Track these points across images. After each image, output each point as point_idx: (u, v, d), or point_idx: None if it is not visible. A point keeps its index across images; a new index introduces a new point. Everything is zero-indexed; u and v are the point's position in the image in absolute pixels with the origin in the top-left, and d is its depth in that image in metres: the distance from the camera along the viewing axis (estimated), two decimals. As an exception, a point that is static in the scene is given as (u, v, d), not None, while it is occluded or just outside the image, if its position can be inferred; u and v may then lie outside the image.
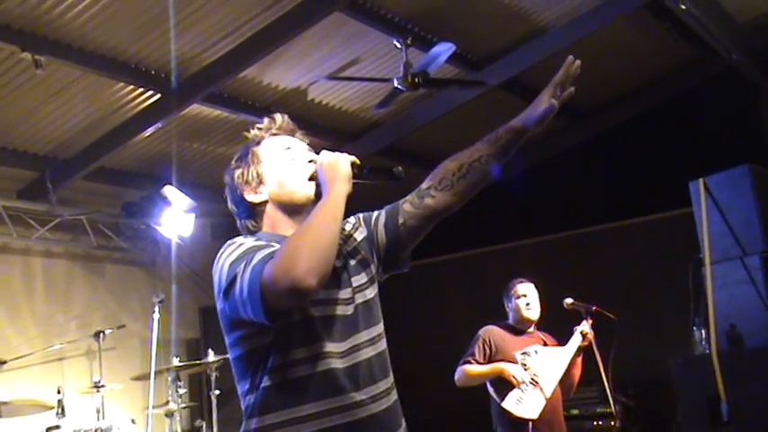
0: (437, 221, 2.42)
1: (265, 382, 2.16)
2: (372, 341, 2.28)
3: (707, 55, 8.29)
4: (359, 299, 2.30)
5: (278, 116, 2.44)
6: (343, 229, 2.38)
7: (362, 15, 6.43)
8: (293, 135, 2.43)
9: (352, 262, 2.34)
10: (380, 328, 2.35)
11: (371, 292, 2.36)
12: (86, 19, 5.72)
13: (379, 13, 6.52)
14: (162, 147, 7.58)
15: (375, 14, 6.50)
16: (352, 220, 2.46)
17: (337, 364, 2.17)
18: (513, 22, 7.30)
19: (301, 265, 1.96)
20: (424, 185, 2.42)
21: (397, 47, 6.66)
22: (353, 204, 2.28)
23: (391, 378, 2.33)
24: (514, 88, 8.01)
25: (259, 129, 2.43)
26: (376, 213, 2.47)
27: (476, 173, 2.38)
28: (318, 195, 2.25)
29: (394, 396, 2.31)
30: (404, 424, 2.33)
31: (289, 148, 2.37)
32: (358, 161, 2.30)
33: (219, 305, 2.20)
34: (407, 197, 2.44)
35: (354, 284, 2.31)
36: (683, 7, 6.44)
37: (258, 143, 2.40)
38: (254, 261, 2.06)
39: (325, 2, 6.07)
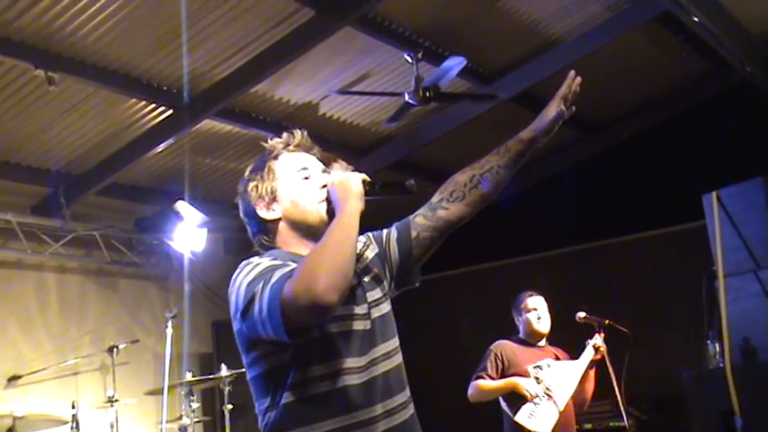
0: (448, 234, 2.47)
1: (285, 399, 2.18)
2: (389, 355, 2.31)
3: (720, 67, 8.27)
4: (375, 313, 2.32)
5: (297, 132, 2.44)
6: None
7: (372, 30, 6.44)
8: (310, 152, 2.44)
9: (366, 278, 2.35)
10: (396, 341, 2.37)
11: (386, 307, 2.39)
12: (99, 36, 5.76)
13: (390, 28, 6.54)
14: (174, 162, 7.61)
15: (385, 29, 6.52)
16: (362, 238, 2.47)
17: (355, 379, 2.19)
18: (524, 36, 7.31)
19: (321, 281, 1.99)
20: (435, 198, 2.47)
21: (408, 61, 6.66)
22: (367, 220, 2.29)
23: (408, 391, 2.34)
24: (526, 102, 8.00)
25: (277, 143, 2.44)
26: (386, 231, 2.50)
27: (487, 184, 2.45)
28: (331, 215, 2.26)
29: (411, 409, 2.33)
30: None
31: (305, 168, 2.38)
32: (369, 178, 2.31)
33: (236, 326, 2.22)
34: (419, 211, 2.49)
35: (370, 299, 2.33)
36: (696, 20, 6.42)
37: (275, 157, 2.40)
38: (273, 280, 2.08)
39: (336, 17, 6.08)
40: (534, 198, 9.54)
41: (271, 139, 2.46)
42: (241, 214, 2.44)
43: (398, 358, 2.35)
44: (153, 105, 6.75)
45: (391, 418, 2.23)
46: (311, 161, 2.41)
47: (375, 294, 2.36)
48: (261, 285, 2.10)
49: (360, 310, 2.28)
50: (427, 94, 6.57)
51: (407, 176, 8.79)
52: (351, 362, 2.20)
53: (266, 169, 2.38)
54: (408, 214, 2.51)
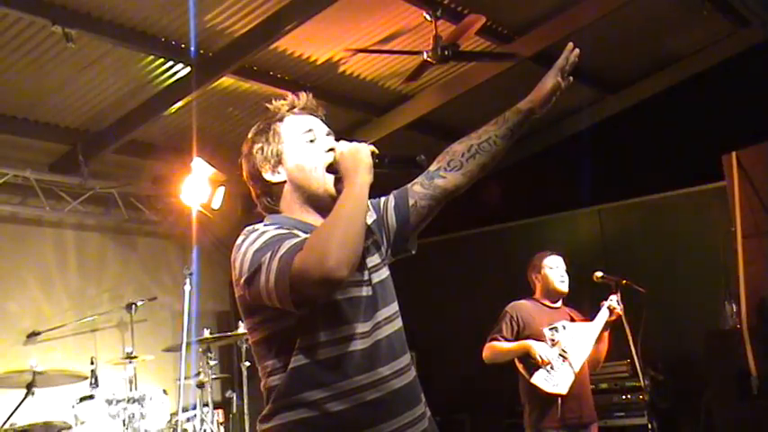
0: (445, 202, 2.48)
1: (293, 363, 2.19)
2: (390, 319, 2.32)
3: (742, 27, 8.17)
4: (375, 279, 2.33)
5: (302, 94, 2.42)
6: None
7: (391, -13, 6.39)
8: (315, 114, 2.42)
9: (366, 243, 2.33)
10: (396, 306, 2.39)
11: (385, 273, 2.40)
12: (116, -8, 5.74)
13: (409, -15, 6.47)
14: (192, 120, 7.60)
15: (404, -15, 6.45)
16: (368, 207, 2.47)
17: (360, 344, 2.21)
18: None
19: (333, 257, 2.00)
20: (433, 167, 2.47)
21: (426, 19, 6.61)
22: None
23: (408, 355, 2.36)
24: (546, 61, 7.89)
25: (282, 104, 2.42)
26: (384, 198, 2.51)
27: (484, 153, 2.44)
28: (338, 186, 2.26)
29: (413, 372, 2.36)
30: (424, 398, 2.38)
31: (310, 129, 2.36)
32: (377, 151, 2.29)
33: (239, 291, 2.23)
34: (416, 179, 2.49)
35: (369, 265, 2.33)
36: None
37: (280, 120, 2.39)
38: (282, 251, 2.08)
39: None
40: (554, 158, 9.51)
41: (275, 101, 2.44)
42: (245, 176, 2.44)
43: (399, 322, 2.37)
44: (171, 63, 6.73)
45: (396, 379, 2.26)
46: (316, 123, 2.39)
47: (374, 260, 2.36)
48: (268, 255, 2.10)
49: (362, 276, 2.29)
50: (446, 52, 6.52)
51: (425, 135, 8.83)
52: (356, 327, 2.22)
53: (271, 132, 2.37)
54: (409, 182, 2.51)
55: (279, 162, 2.34)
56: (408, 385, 2.30)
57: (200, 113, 7.36)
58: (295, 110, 2.40)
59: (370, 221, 2.42)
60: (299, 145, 2.34)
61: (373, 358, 2.22)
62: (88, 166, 7.46)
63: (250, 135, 2.43)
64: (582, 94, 9.09)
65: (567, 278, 5.29)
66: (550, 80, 2.49)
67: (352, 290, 2.24)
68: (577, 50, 2.50)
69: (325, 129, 2.39)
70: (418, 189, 2.45)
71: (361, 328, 2.22)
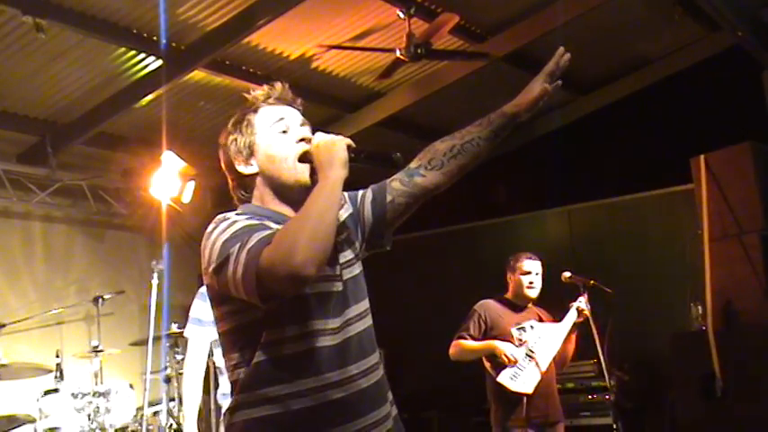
0: (423, 200, 2.46)
1: (257, 358, 2.16)
2: (360, 316, 2.30)
3: (712, 32, 8.26)
4: (346, 275, 2.31)
5: (277, 84, 2.40)
6: None
7: (365, -17, 6.39)
8: (291, 105, 2.39)
9: (339, 238, 2.31)
10: (367, 303, 2.36)
11: (358, 269, 2.37)
12: (88, -17, 5.69)
13: (383, -18, 6.48)
14: (163, 113, 7.55)
15: (378, -17, 6.46)
16: (344, 200, 2.45)
17: (329, 341, 2.19)
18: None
19: (300, 253, 1.97)
20: (414, 165, 2.44)
21: (399, 17, 6.62)
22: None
23: (377, 353, 2.35)
24: (519, 60, 7.97)
25: (258, 95, 2.39)
26: (362, 192, 2.47)
27: (466, 154, 2.41)
28: (313, 178, 2.22)
29: (381, 371, 2.34)
30: (390, 397, 2.37)
31: (281, 119, 2.33)
32: (354, 145, 2.25)
33: (207, 280, 2.20)
34: (396, 176, 2.45)
35: (341, 261, 2.31)
36: (689, -18, 6.39)
37: (255, 110, 2.37)
38: (250, 244, 2.05)
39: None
40: (524, 158, 9.55)
41: (252, 92, 2.41)
42: (223, 166, 2.41)
43: (369, 320, 2.35)
44: (142, 55, 6.68)
45: (364, 378, 2.23)
46: (290, 113, 2.36)
47: (347, 255, 2.34)
48: (237, 246, 2.07)
49: (333, 271, 2.26)
50: (419, 50, 6.54)
51: (398, 133, 8.83)
52: (323, 323, 2.19)
53: (245, 122, 2.35)
54: (387, 177, 2.48)
55: (251, 154, 2.32)
56: (375, 384, 2.27)
57: (171, 107, 7.32)
58: (270, 100, 2.37)
59: (345, 215, 2.41)
60: (271, 135, 2.32)
61: (341, 356, 2.20)
62: (57, 158, 7.40)
63: (227, 126, 2.40)
64: (552, 94, 9.12)
65: (538, 284, 5.28)
66: (538, 85, 2.44)
67: (322, 285, 2.21)
68: (568, 55, 2.47)
69: (300, 119, 2.37)
70: (397, 186, 2.43)
71: (331, 324, 2.20)
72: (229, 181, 2.40)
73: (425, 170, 2.42)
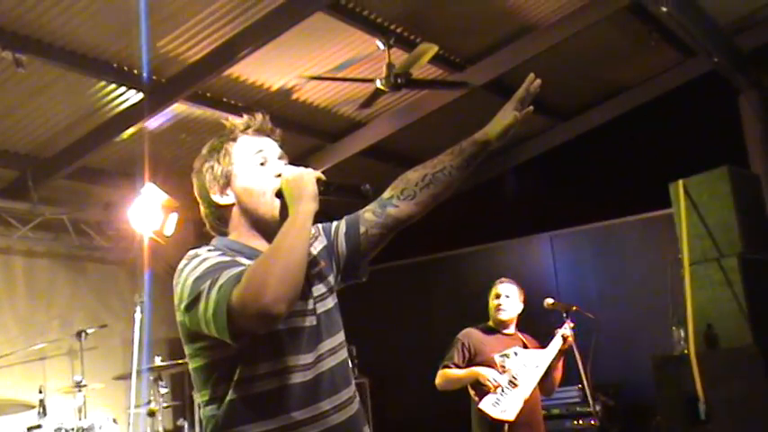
0: (397, 231, 2.43)
1: (231, 396, 2.14)
2: (334, 350, 2.27)
3: (688, 58, 8.37)
4: (320, 308, 2.27)
5: (258, 115, 2.36)
6: None
7: (344, 16, 6.43)
8: (270, 137, 2.36)
9: (312, 272, 2.29)
10: (342, 336, 2.33)
11: (332, 302, 2.35)
12: (68, 17, 5.69)
13: (362, 14, 6.53)
14: (144, 146, 7.55)
15: (357, 15, 6.50)
16: (317, 232, 2.44)
17: (301, 377, 2.16)
18: (495, 23, 7.34)
19: (270, 291, 1.94)
20: (386, 195, 2.41)
21: (379, 48, 6.67)
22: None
23: (353, 386, 2.32)
24: (498, 89, 8.04)
25: (237, 123, 2.36)
26: (336, 223, 2.46)
27: (439, 184, 2.39)
28: (283, 212, 2.20)
29: (357, 404, 2.30)
30: (367, 430, 2.33)
31: (260, 150, 2.30)
32: (324, 177, 2.23)
33: (179, 317, 2.17)
34: (369, 206, 2.43)
35: (315, 294, 2.28)
36: (665, 9, 6.48)
37: (234, 139, 2.33)
38: (221, 281, 2.03)
39: (307, 2, 6.07)
40: (506, 184, 9.62)
41: (231, 119, 2.38)
42: (195, 192, 2.37)
43: (344, 353, 2.31)
44: (123, 89, 6.69)
45: (337, 414, 2.20)
46: (269, 145, 2.33)
47: (320, 289, 2.31)
48: (208, 284, 2.04)
49: (306, 305, 2.23)
50: (399, 80, 6.59)
51: (379, 162, 8.86)
52: (297, 359, 2.16)
53: (223, 151, 2.31)
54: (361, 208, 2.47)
55: (227, 184, 2.28)
56: (350, 419, 2.24)
57: (152, 140, 7.33)
58: (249, 130, 2.33)
59: (319, 247, 2.39)
60: (249, 168, 2.28)
61: (314, 392, 2.17)
62: (38, 192, 7.37)
63: (203, 151, 2.37)
64: (534, 121, 9.20)
65: (511, 306, 5.29)
66: (508, 112, 2.41)
67: (295, 320, 2.18)
68: (539, 81, 2.45)
69: (278, 152, 2.33)
70: (370, 217, 2.40)
71: (303, 359, 2.17)
72: (202, 208, 2.36)
73: (398, 200, 2.39)
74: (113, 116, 6.97)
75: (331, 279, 2.38)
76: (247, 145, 2.32)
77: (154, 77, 6.59)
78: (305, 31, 6.41)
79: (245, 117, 2.37)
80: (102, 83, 6.58)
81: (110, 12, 5.78)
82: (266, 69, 6.99)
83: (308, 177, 2.19)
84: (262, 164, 2.29)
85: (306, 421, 2.13)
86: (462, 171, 2.41)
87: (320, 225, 2.44)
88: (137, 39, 6.07)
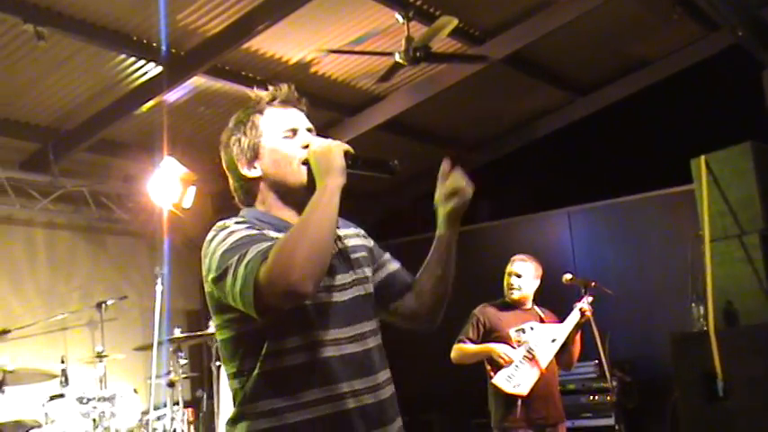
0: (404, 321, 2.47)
1: (259, 369, 2.12)
2: (368, 333, 2.24)
3: (712, 31, 8.27)
4: (360, 290, 2.26)
5: (284, 86, 2.33)
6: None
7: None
8: (297, 107, 2.34)
9: (354, 255, 2.29)
10: (376, 323, 2.31)
11: (372, 288, 2.34)
12: (89, -10, 5.72)
13: (381, -14, 6.50)
14: (163, 119, 7.57)
15: (377, -13, 6.48)
16: (361, 232, 2.42)
17: (332, 352, 2.13)
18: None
19: (297, 269, 1.93)
20: (415, 305, 2.45)
21: (398, 21, 6.64)
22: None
23: (387, 371, 2.29)
24: (517, 63, 7.99)
25: (263, 95, 2.33)
26: (387, 256, 2.45)
27: (437, 289, 2.46)
28: (311, 181, 2.17)
29: (391, 390, 2.28)
30: (399, 421, 2.29)
31: (288, 122, 2.28)
32: (352, 151, 2.19)
33: (207, 288, 2.16)
34: (408, 293, 2.44)
35: (359, 275, 2.28)
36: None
37: (260, 112, 2.30)
38: (249, 257, 2.01)
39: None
40: (523, 159, 9.57)
41: (257, 91, 2.35)
42: (223, 166, 2.36)
43: (378, 339, 2.29)
44: (142, 62, 6.70)
45: (374, 394, 2.18)
46: (296, 117, 2.31)
47: (363, 272, 2.30)
48: (236, 259, 2.02)
49: (333, 281, 2.20)
50: (417, 54, 6.55)
51: (398, 136, 8.82)
52: (327, 334, 2.14)
53: (249, 123, 2.29)
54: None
55: (255, 156, 2.26)
56: (382, 403, 2.21)
57: (171, 113, 7.35)
58: (275, 102, 2.31)
59: (368, 245, 2.38)
60: (277, 140, 2.26)
61: (346, 369, 2.14)
62: (59, 165, 7.43)
63: (230, 124, 2.34)
64: (552, 96, 9.16)
65: (525, 284, 5.27)
66: (441, 206, 2.41)
67: (325, 295, 2.16)
68: (447, 164, 2.38)
69: (306, 124, 2.31)
70: (408, 300, 2.42)
71: (333, 335, 2.14)
72: (230, 181, 2.35)
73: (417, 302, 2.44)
74: (133, 89, 7.00)
75: (367, 271, 2.34)
76: (274, 117, 2.30)
77: (173, 51, 6.60)
78: (324, 3, 6.39)
79: (271, 88, 2.34)
80: (122, 56, 6.60)
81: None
82: (285, 42, 6.98)
83: (336, 150, 2.16)
84: (289, 136, 2.27)
85: (335, 397, 2.11)
86: (446, 273, 2.46)
87: (374, 244, 2.44)
88: (156, 12, 6.07)
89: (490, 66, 7.57)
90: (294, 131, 2.28)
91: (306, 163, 2.21)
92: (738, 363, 5.60)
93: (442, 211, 2.41)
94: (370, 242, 2.43)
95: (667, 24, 8.01)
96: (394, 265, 2.45)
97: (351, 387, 2.13)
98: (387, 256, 2.46)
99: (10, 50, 6.13)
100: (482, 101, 8.77)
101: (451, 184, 2.36)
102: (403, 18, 6.60)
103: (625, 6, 7.68)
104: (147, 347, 6.60)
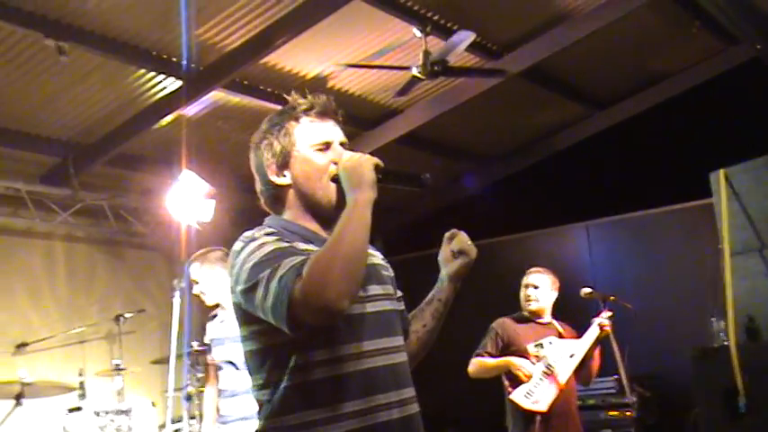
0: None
1: (285, 382, 2.10)
2: (393, 349, 2.22)
3: (731, 45, 8.24)
4: (388, 305, 2.26)
5: (322, 96, 2.30)
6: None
7: (381, 3, 6.42)
8: (333, 119, 2.31)
9: (384, 273, 2.32)
10: (402, 339, 2.30)
11: (400, 305, 2.36)
12: (110, 5, 5.77)
13: (399, 1, 6.51)
14: (182, 133, 7.60)
15: (394, 2, 6.49)
16: (385, 261, 2.42)
17: (359, 366, 2.11)
18: (533, 10, 7.29)
19: (333, 286, 1.92)
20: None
21: (416, 35, 6.65)
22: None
23: (412, 389, 2.26)
24: (535, 76, 7.98)
25: (300, 102, 2.28)
26: (400, 294, 2.44)
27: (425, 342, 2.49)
28: (341, 199, 2.14)
29: (416, 407, 2.24)
30: None
31: (324, 137, 2.25)
32: (382, 164, 2.15)
33: (234, 299, 2.14)
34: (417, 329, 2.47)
35: (388, 291, 2.29)
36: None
37: (296, 119, 2.26)
38: (281, 272, 1.99)
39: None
40: (542, 173, 9.55)
41: (294, 95, 2.31)
42: (252, 168, 2.32)
43: (405, 355, 2.27)
44: (162, 77, 6.75)
45: (397, 410, 2.14)
46: (333, 132, 2.27)
47: (390, 289, 2.31)
48: (267, 273, 2.00)
49: (373, 291, 2.21)
50: (435, 68, 6.56)
51: (415, 150, 8.81)
52: (353, 348, 2.11)
53: (284, 130, 2.24)
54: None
55: (285, 164, 2.23)
56: (408, 418, 2.18)
57: (190, 127, 7.38)
58: (312, 112, 2.27)
59: (385, 272, 2.36)
60: (309, 152, 2.22)
61: (373, 384, 2.12)
62: (78, 179, 7.47)
63: (263, 125, 2.30)
64: (570, 110, 9.15)
65: (542, 296, 5.24)
66: (448, 265, 2.47)
67: (361, 305, 2.14)
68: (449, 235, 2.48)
69: (341, 137, 2.28)
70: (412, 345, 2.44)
71: (360, 348, 2.12)
72: (257, 184, 2.31)
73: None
74: (152, 103, 7.04)
75: (392, 290, 2.35)
76: (310, 128, 2.26)
77: (192, 65, 6.63)
78: (342, 18, 6.40)
79: (309, 96, 2.30)
80: (142, 71, 6.65)
81: (150, 0, 5.83)
82: (303, 57, 7.01)
83: (366, 164, 2.13)
84: (322, 149, 2.24)
85: (362, 411, 2.08)
86: (435, 323, 2.50)
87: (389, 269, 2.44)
88: (176, 27, 6.13)
89: (508, 80, 7.57)
90: (327, 145, 2.25)
91: (335, 180, 2.18)
92: (760, 378, 5.55)
93: (447, 270, 2.45)
94: (392, 273, 2.42)
95: (686, 38, 7.99)
96: (402, 305, 2.45)
97: (376, 401, 2.11)
98: (399, 293, 2.45)
99: (31, 65, 6.19)
100: (500, 115, 8.77)
101: (457, 244, 2.43)
102: (421, 32, 6.61)
103: (643, 20, 7.66)
104: (165, 361, 6.61)
